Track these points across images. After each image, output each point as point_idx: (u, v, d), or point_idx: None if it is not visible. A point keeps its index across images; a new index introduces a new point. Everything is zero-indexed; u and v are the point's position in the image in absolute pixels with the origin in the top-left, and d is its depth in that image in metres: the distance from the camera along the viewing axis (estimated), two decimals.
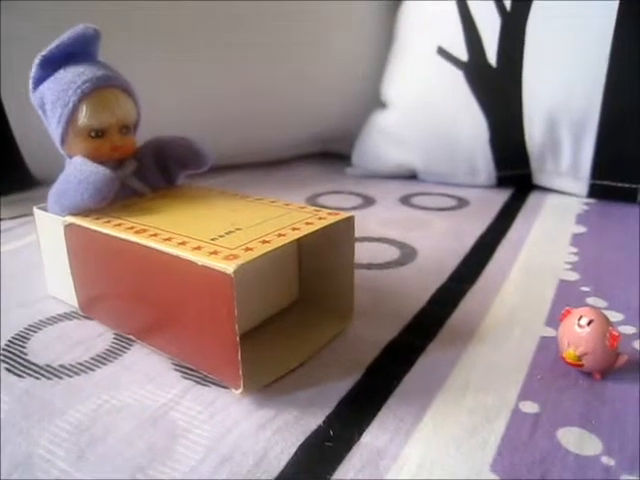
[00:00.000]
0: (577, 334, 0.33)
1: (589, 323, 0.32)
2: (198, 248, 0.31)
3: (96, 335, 0.39)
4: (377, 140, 0.76)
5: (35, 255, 0.44)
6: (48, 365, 0.35)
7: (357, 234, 0.54)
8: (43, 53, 0.40)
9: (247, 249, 0.30)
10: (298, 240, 0.33)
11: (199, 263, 0.29)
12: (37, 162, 0.69)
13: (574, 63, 0.64)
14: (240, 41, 0.73)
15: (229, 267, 0.28)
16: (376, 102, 0.78)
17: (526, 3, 0.65)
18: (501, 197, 0.69)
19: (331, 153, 0.89)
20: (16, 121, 0.66)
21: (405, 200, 0.68)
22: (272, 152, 0.84)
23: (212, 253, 0.30)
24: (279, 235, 0.32)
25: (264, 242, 0.31)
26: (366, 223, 0.59)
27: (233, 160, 0.81)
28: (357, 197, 0.69)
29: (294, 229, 0.33)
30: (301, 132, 0.83)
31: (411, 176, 0.77)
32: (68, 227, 0.38)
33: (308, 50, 0.77)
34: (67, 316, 0.41)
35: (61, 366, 0.35)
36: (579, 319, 0.33)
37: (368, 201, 0.68)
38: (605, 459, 0.27)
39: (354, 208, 0.65)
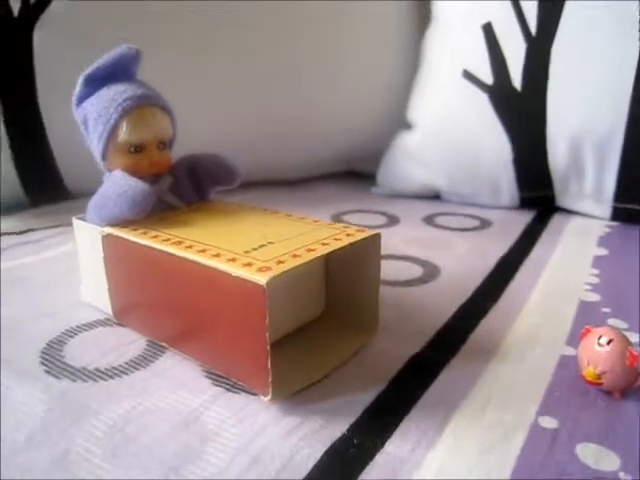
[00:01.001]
0: (597, 353, 0.33)
1: (609, 342, 0.33)
2: (232, 260, 0.32)
3: (130, 341, 0.40)
4: (402, 160, 0.78)
5: (69, 264, 0.46)
6: (84, 368, 0.37)
7: (382, 252, 0.56)
8: (87, 72, 0.42)
9: (279, 262, 0.31)
10: (326, 255, 0.34)
11: (233, 274, 0.31)
12: (72, 175, 0.71)
13: (598, 87, 0.65)
14: (268, 62, 0.75)
15: (262, 279, 0.29)
16: (401, 123, 0.79)
17: (551, 29, 0.66)
18: (524, 219, 0.70)
19: (356, 172, 0.90)
20: (54, 135, 0.68)
21: (429, 220, 0.69)
22: (297, 170, 0.86)
23: (246, 265, 0.31)
24: (309, 250, 0.33)
25: (295, 256, 0.32)
26: (390, 241, 0.60)
27: (259, 178, 0.83)
28: (382, 216, 0.71)
29: (323, 244, 0.34)
30: (326, 151, 0.85)
31: (435, 196, 0.78)
32: (106, 237, 0.40)
33: (335, 70, 0.79)
34: (102, 323, 0.43)
35: (96, 369, 0.37)
36: (599, 338, 0.34)
37: (393, 220, 0.69)
38: (622, 475, 0.28)
39: (379, 227, 0.66)
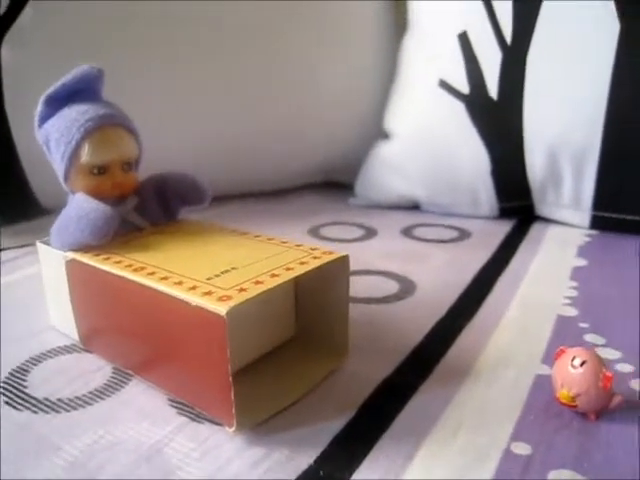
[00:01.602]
0: (570, 375, 0.33)
1: (582, 364, 0.32)
2: (193, 288, 0.31)
3: (95, 369, 0.39)
4: (380, 171, 0.77)
5: (39, 285, 0.45)
6: (46, 399, 0.36)
7: (357, 267, 0.55)
8: (48, 92, 0.41)
9: (241, 290, 0.30)
10: (294, 278, 0.33)
11: (193, 303, 0.30)
12: (45, 191, 0.70)
13: (574, 96, 0.64)
14: (244, 72, 0.74)
15: (222, 308, 0.29)
16: (380, 132, 0.79)
17: (526, 37, 0.66)
18: (503, 228, 0.69)
19: (335, 183, 0.89)
20: (24, 150, 0.67)
21: (407, 232, 0.68)
22: (276, 182, 0.85)
23: (206, 293, 0.30)
24: (272, 275, 0.32)
25: (257, 283, 0.31)
26: (367, 255, 0.60)
27: (237, 190, 0.82)
28: (359, 228, 0.70)
29: (288, 269, 0.33)
30: (305, 162, 0.84)
31: (414, 206, 0.77)
32: (69, 262, 0.39)
33: (311, 80, 0.78)
34: (68, 349, 0.42)
35: (59, 400, 0.36)
36: (572, 359, 0.33)
37: (370, 233, 0.68)
38: None
39: (355, 240, 0.65)
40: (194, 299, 0.30)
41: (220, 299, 0.29)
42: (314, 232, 0.68)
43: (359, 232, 0.68)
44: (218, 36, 0.72)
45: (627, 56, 0.61)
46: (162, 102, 0.71)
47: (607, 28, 0.62)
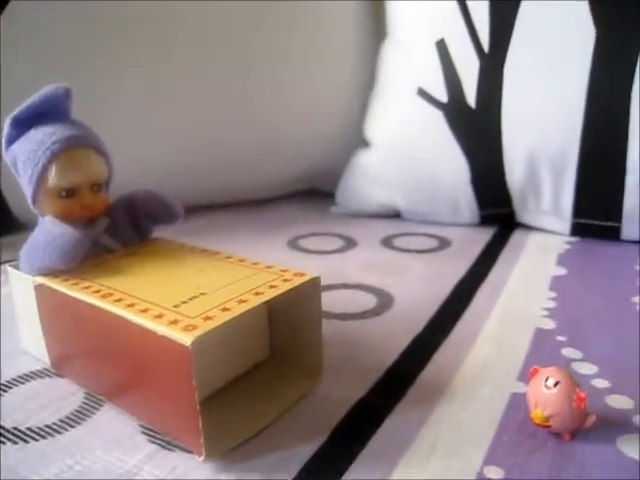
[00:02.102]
0: (544, 395, 0.32)
1: (555, 384, 0.32)
2: (159, 316, 0.31)
3: (67, 395, 0.38)
4: (360, 179, 0.77)
5: (12, 306, 0.44)
6: (15, 428, 0.35)
7: (336, 280, 0.55)
8: (14, 114, 0.40)
9: (207, 318, 0.30)
10: (266, 300, 0.33)
11: (159, 333, 0.29)
12: (22, 206, 0.69)
13: (552, 103, 0.64)
14: (223, 81, 0.74)
15: (187, 339, 0.28)
16: (361, 140, 0.78)
17: (503, 45, 0.66)
18: (484, 236, 0.69)
19: (317, 191, 0.89)
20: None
21: (387, 242, 0.68)
22: (258, 191, 0.85)
23: (172, 322, 0.30)
24: (240, 301, 0.32)
25: (224, 310, 0.31)
26: (346, 268, 0.59)
27: (218, 199, 0.82)
28: (339, 239, 0.69)
29: (257, 293, 0.33)
30: (288, 170, 0.83)
31: (395, 215, 0.77)
32: (38, 287, 0.38)
33: (291, 88, 0.78)
34: (39, 374, 0.41)
35: (28, 429, 0.35)
36: (546, 380, 0.33)
37: (350, 243, 0.68)
38: None
39: (335, 251, 0.65)
40: (160, 328, 0.29)
41: (185, 328, 0.29)
42: (293, 244, 0.68)
43: (339, 243, 0.68)
44: (196, 46, 0.72)
45: (603, 63, 0.61)
46: (140, 112, 0.70)
47: (583, 35, 0.62)
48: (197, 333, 0.28)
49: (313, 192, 0.89)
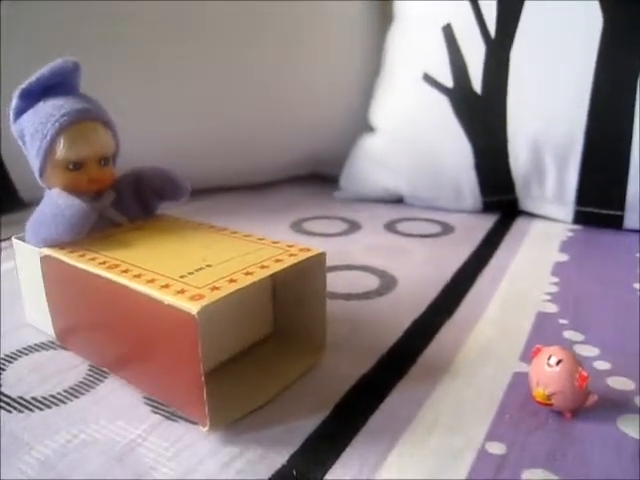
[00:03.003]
0: (546, 373, 0.33)
1: (558, 363, 0.32)
2: (166, 286, 0.31)
3: (71, 366, 0.39)
4: (365, 164, 0.77)
5: (16, 281, 0.44)
6: (21, 397, 0.35)
7: (339, 262, 0.55)
8: (23, 86, 0.40)
9: (214, 288, 0.30)
10: (271, 275, 0.33)
11: (165, 302, 0.30)
12: (25, 184, 0.69)
13: (558, 90, 0.64)
14: (228, 64, 0.74)
15: (193, 307, 0.28)
16: (365, 125, 0.78)
17: (510, 31, 0.65)
18: (487, 223, 0.69)
19: (321, 175, 0.89)
20: (3, 143, 0.66)
21: (390, 226, 0.68)
22: (261, 174, 0.85)
23: (179, 292, 0.30)
24: (247, 273, 0.32)
25: (231, 281, 0.31)
26: (349, 250, 0.60)
27: (222, 182, 0.82)
28: (343, 222, 0.69)
29: (263, 267, 0.33)
30: (291, 154, 0.83)
31: (399, 200, 0.77)
32: (44, 259, 0.38)
33: (296, 72, 0.78)
34: (44, 346, 0.41)
35: (33, 398, 0.35)
36: (548, 358, 0.33)
37: (354, 227, 0.68)
38: None
39: (339, 234, 0.65)
40: (166, 297, 0.30)
41: (192, 298, 0.29)
42: (297, 226, 0.68)
43: (343, 226, 0.68)
44: (201, 29, 0.72)
45: (610, 50, 0.61)
46: (145, 94, 0.70)
47: (591, 22, 0.62)
48: (204, 302, 0.29)
49: (316, 176, 0.89)
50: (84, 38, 0.66)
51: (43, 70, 0.40)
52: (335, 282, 0.50)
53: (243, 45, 0.74)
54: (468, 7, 0.68)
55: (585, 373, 0.32)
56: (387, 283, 0.51)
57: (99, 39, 0.67)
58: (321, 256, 0.36)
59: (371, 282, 0.52)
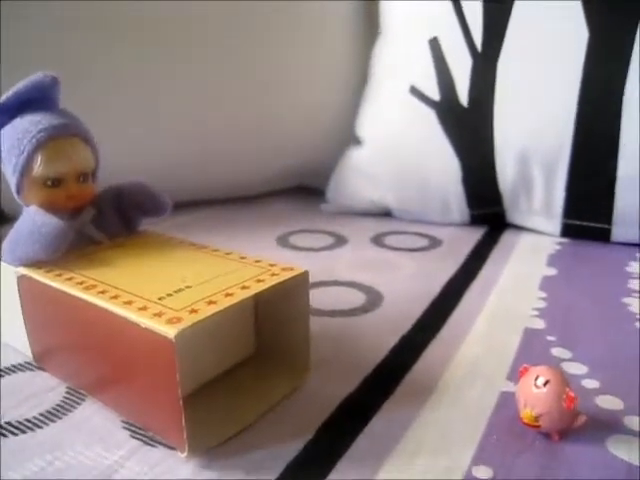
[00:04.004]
0: (533, 395, 0.32)
1: (545, 383, 0.32)
2: (144, 309, 0.30)
3: (48, 389, 0.38)
4: (351, 177, 0.76)
5: None
6: None
7: (325, 277, 0.55)
8: None
9: (192, 311, 0.29)
10: (253, 295, 0.32)
11: (142, 325, 0.29)
12: (8, 198, 0.68)
13: (544, 103, 0.64)
14: (213, 75, 0.73)
15: (170, 331, 0.27)
16: (352, 137, 0.78)
17: (497, 44, 0.65)
18: (474, 236, 0.69)
19: (308, 188, 0.88)
20: None
21: (377, 240, 0.68)
22: (247, 187, 0.84)
23: (156, 315, 0.29)
24: (227, 294, 0.31)
25: (210, 303, 0.30)
26: (335, 265, 0.59)
27: (207, 196, 0.81)
28: (329, 236, 0.69)
29: (244, 287, 0.32)
30: (276, 167, 0.82)
31: (386, 213, 0.77)
32: (21, 278, 0.37)
33: (281, 85, 0.77)
34: (21, 367, 0.40)
35: (7, 423, 0.34)
36: (536, 379, 0.32)
37: (340, 241, 0.67)
38: None
39: (325, 248, 0.64)
40: (143, 320, 0.29)
41: (169, 321, 0.28)
42: (283, 241, 0.67)
43: (329, 240, 0.67)
44: (187, 38, 0.71)
45: (596, 63, 0.61)
46: (129, 105, 0.69)
47: (576, 35, 0.62)
48: (181, 326, 0.28)
49: (302, 189, 0.89)
50: (69, 45, 0.65)
51: (20, 85, 0.39)
52: (320, 299, 0.50)
53: (228, 58, 0.73)
54: (455, 20, 0.67)
55: (572, 394, 0.31)
56: (373, 299, 0.50)
57: (84, 47, 0.66)
58: (304, 275, 0.35)
59: (357, 298, 0.51)
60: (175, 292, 0.32)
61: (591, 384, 0.38)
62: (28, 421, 0.34)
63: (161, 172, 0.71)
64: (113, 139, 0.64)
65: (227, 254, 0.38)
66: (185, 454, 0.30)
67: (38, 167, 0.38)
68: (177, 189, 0.74)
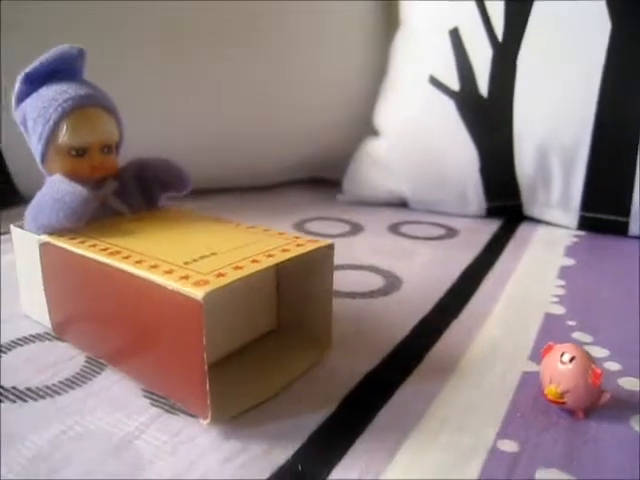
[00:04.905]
0: (559, 371, 0.32)
1: (571, 360, 0.31)
2: (170, 272, 0.30)
3: (67, 358, 0.37)
4: (368, 167, 0.76)
5: (12, 273, 0.43)
6: (14, 388, 0.34)
7: (343, 261, 0.54)
8: (26, 70, 0.39)
9: (219, 275, 0.29)
10: (277, 266, 0.32)
11: (169, 287, 0.29)
12: (25, 179, 0.68)
13: (565, 95, 0.64)
14: (233, 66, 0.73)
15: (198, 293, 0.27)
16: (368, 129, 0.78)
17: (518, 35, 0.65)
18: (491, 227, 0.68)
19: (323, 179, 0.88)
20: (4, 138, 0.65)
21: (393, 228, 0.67)
22: (262, 177, 0.84)
23: (183, 277, 0.29)
24: (253, 261, 0.31)
25: (237, 268, 0.30)
26: (352, 251, 0.59)
27: (223, 184, 0.81)
28: (345, 224, 0.69)
29: (269, 255, 0.32)
30: (292, 158, 0.82)
31: (402, 204, 0.76)
32: (43, 246, 0.37)
33: (298, 76, 0.77)
34: (40, 337, 0.40)
35: (28, 389, 0.34)
36: (561, 355, 0.32)
37: (356, 228, 0.67)
38: None
39: (341, 235, 0.64)
40: (169, 283, 0.29)
41: (197, 283, 0.28)
42: (299, 226, 0.67)
43: (345, 227, 0.67)
44: (208, 29, 0.71)
45: (618, 55, 0.61)
46: (149, 93, 0.69)
47: (598, 27, 0.61)
48: (209, 288, 0.27)
49: (318, 180, 0.89)
50: (83, 27, 0.65)
51: (47, 55, 0.39)
52: (339, 281, 0.49)
53: (247, 46, 0.73)
54: (475, 11, 0.67)
55: (598, 370, 0.31)
56: (392, 283, 0.50)
57: (100, 37, 0.66)
58: (329, 247, 0.35)
59: (376, 281, 0.51)
60: (201, 258, 0.32)
61: (613, 366, 0.37)
62: (48, 388, 0.34)
63: (179, 158, 0.70)
64: (133, 126, 0.64)
65: (251, 227, 0.38)
66: (207, 421, 0.30)
67: (63, 136, 0.38)
68: (194, 176, 0.74)
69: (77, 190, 0.36)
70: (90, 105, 0.39)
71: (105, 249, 0.34)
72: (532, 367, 0.37)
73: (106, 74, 0.64)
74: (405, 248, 0.60)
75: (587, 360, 0.32)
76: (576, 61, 0.63)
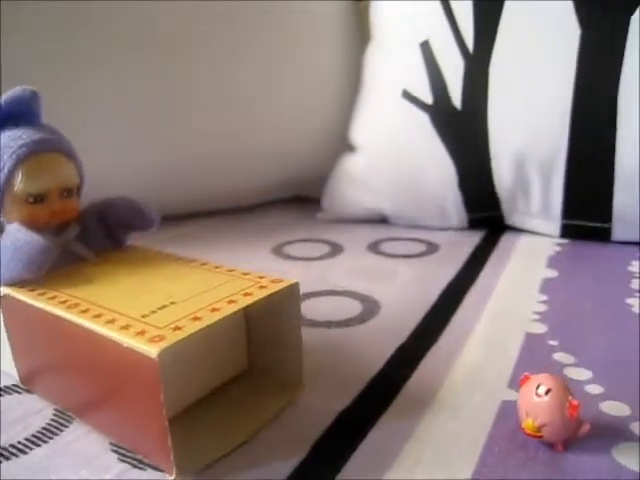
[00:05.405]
0: (535, 404, 0.31)
1: (547, 392, 0.31)
2: (126, 327, 0.29)
3: (34, 412, 0.36)
4: (346, 185, 0.75)
5: None
6: None
7: (320, 287, 0.54)
8: None
9: (176, 328, 0.28)
10: (245, 308, 0.31)
11: (124, 344, 0.28)
12: None
13: (539, 103, 0.63)
14: (206, 83, 0.72)
15: (153, 350, 0.26)
16: (346, 144, 0.77)
17: (488, 45, 0.64)
18: (473, 240, 0.68)
19: (306, 197, 0.87)
20: None
21: (373, 247, 0.66)
22: (244, 198, 0.83)
23: (138, 333, 0.28)
24: (213, 310, 0.30)
25: (195, 319, 0.29)
26: (331, 274, 0.58)
27: (202, 207, 0.80)
28: (325, 244, 0.68)
29: (230, 302, 0.31)
30: (271, 177, 0.82)
31: (382, 220, 0.75)
32: (3, 298, 0.36)
33: (275, 94, 0.76)
34: (7, 390, 0.39)
35: None
36: (537, 387, 0.31)
37: (336, 249, 0.66)
38: None
39: (321, 257, 0.63)
40: (125, 340, 0.28)
41: (152, 339, 0.27)
42: (278, 250, 0.66)
43: (325, 249, 0.66)
44: (176, 47, 0.70)
45: (589, 63, 0.60)
46: (122, 117, 0.68)
47: (568, 35, 0.61)
48: (164, 344, 0.27)
49: (298, 199, 0.88)
50: (54, 55, 0.64)
51: (1, 98, 0.39)
52: (316, 309, 0.49)
53: (221, 67, 0.72)
54: (445, 23, 0.67)
55: (575, 402, 0.30)
56: (370, 308, 0.49)
57: (68, 57, 0.65)
58: (293, 287, 0.34)
59: (353, 308, 0.50)
60: (159, 309, 0.31)
61: (595, 389, 0.36)
62: (13, 446, 0.33)
63: (156, 183, 0.70)
64: (103, 153, 0.63)
65: (215, 267, 0.37)
66: (173, 477, 0.29)
67: (19, 183, 0.37)
68: (173, 201, 0.73)
69: (34, 239, 0.35)
70: (46, 150, 0.38)
71: (64, 301, 0.33)
72: (511, 395, 0.36)
73: (76, 97, 0.63)
74: (385, 268, 0.59)
75: (564, 392, 0.31)
76: (549, 69, 0.62)
